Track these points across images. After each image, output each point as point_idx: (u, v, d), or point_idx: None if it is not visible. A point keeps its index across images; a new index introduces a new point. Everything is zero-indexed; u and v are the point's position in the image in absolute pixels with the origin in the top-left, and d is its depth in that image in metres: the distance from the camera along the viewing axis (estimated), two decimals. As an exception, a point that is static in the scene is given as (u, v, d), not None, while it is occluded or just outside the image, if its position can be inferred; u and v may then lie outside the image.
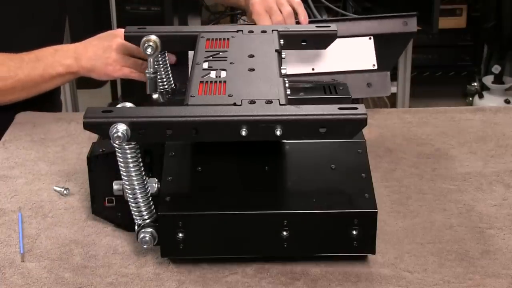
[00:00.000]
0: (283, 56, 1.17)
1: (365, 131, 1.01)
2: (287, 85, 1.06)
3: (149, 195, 1.00)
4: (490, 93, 3.18)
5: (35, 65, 1.39)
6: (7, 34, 1.48)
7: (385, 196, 1.18)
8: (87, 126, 0.94)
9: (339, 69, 1.40)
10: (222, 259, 1.02)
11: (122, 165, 0.97)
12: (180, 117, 0.93)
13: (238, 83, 1.04)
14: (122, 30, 1.37)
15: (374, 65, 1.42)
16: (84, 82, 1.45)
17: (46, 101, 1.54)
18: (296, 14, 1.44)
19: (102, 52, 1.37)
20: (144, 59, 1.36)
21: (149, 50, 1.22)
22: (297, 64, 1.38)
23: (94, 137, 1.08)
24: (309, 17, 1.67)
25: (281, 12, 1.42)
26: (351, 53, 1.40)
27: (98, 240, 1.08)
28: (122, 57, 1.37)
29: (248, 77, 1.07)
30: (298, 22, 1.43)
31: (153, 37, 1.22)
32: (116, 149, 0.95)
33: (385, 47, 1.42)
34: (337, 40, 1.29)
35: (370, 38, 1.42)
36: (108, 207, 1.08)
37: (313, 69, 1.39)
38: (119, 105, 0.97)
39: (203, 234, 0.99)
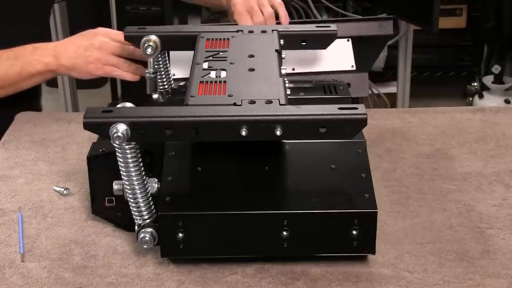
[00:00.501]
0: (283, 56, 1.18)
1: (365, 131, 1.01)
2: (287, 85, 1.06)
3: (149, 195, 1.00)
4: (490, 93, 3.18)
5: (13, 63, 1.38)
6: None
7: (385, 196, 1.18)
8: (87, 126, 0.94)
9: (319, 69, 1.41)
10: (222, 259, 1.02)
11: (122, 165, 0.97)
12: (180, 117, 0.93)
13: (238, 83, 1.04)
14: (103, 29, 1.37)
15: (352, 66, 1.42)
16: (84, 82, 1.44)
17: (24, 105, 1.52)
18: (277, 15, 1.44)
19: (83, 50, 1.36)
20: (127, 58, 1.36)
21: (149, 50, 1.22)
22: None
23: (94, 137, 1.08)
24: (309, 17, 1.67)
25: (262, 13, 1.43)
26: (330, 54, 1.41)
27: (98, 240, 1.08)
28: (104, 56, 1.36)
29: (248, 77, 1.07)
30: (278, 23, 1.44)
31: (153, 37, 1.22)
32: (116, 149, 0.95)
33: (363, 48, 1.44)
34: None
35: (348, 40, 1.43)
36: (108, 207, 1.08)
37: (293, 69, 1.40)
38: (119, 105, 0.97)
39: (203, 234, 0.99)
